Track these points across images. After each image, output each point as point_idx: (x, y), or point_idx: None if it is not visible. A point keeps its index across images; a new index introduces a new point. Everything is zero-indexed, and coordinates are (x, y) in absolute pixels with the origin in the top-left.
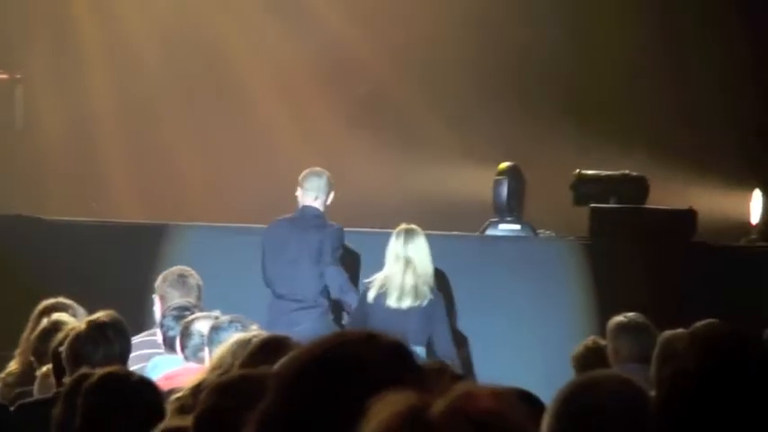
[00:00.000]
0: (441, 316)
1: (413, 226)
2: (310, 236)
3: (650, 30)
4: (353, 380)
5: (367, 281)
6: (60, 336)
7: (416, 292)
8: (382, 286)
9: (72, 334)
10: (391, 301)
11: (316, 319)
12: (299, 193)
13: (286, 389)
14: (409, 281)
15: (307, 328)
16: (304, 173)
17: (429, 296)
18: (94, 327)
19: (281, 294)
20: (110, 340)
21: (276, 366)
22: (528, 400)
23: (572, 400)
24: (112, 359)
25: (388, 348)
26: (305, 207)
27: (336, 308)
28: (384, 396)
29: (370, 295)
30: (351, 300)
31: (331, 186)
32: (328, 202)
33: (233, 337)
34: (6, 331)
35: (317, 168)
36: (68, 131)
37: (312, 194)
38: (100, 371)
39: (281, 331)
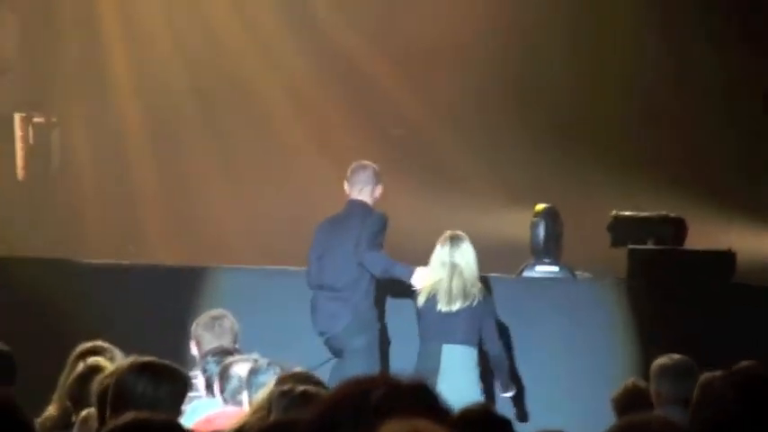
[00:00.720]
0: (489, 316)
1: (458, 232)
2: (352, 226)
3: (696, 78)
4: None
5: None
6: (101, 378)
7: (465, 294)
8: (431, 291)
9: (118, 374)
10: (441, 306)
11: (350, 314)
12: (346, 186)
13: None
14: (457, 284)
15: (342, 324)
16: (351, 166)
17: (478, 297)
18: (141, 367)
19: (318, 286)
20: (158, 385)
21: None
22: None
23: None
24: (161, 405)
25: (408, 397)
26: (351, 201)
27: (381, 293)
28: None
29: (420, 300)
30: (400, 274)
31: (377, 178)
32: (376, 194)
33: (273, 381)
34: (46, 376)
35: (364, 161)
36: (103, 174)
37: (358, 187)
38: (126, 416)
39: (320, 326)
